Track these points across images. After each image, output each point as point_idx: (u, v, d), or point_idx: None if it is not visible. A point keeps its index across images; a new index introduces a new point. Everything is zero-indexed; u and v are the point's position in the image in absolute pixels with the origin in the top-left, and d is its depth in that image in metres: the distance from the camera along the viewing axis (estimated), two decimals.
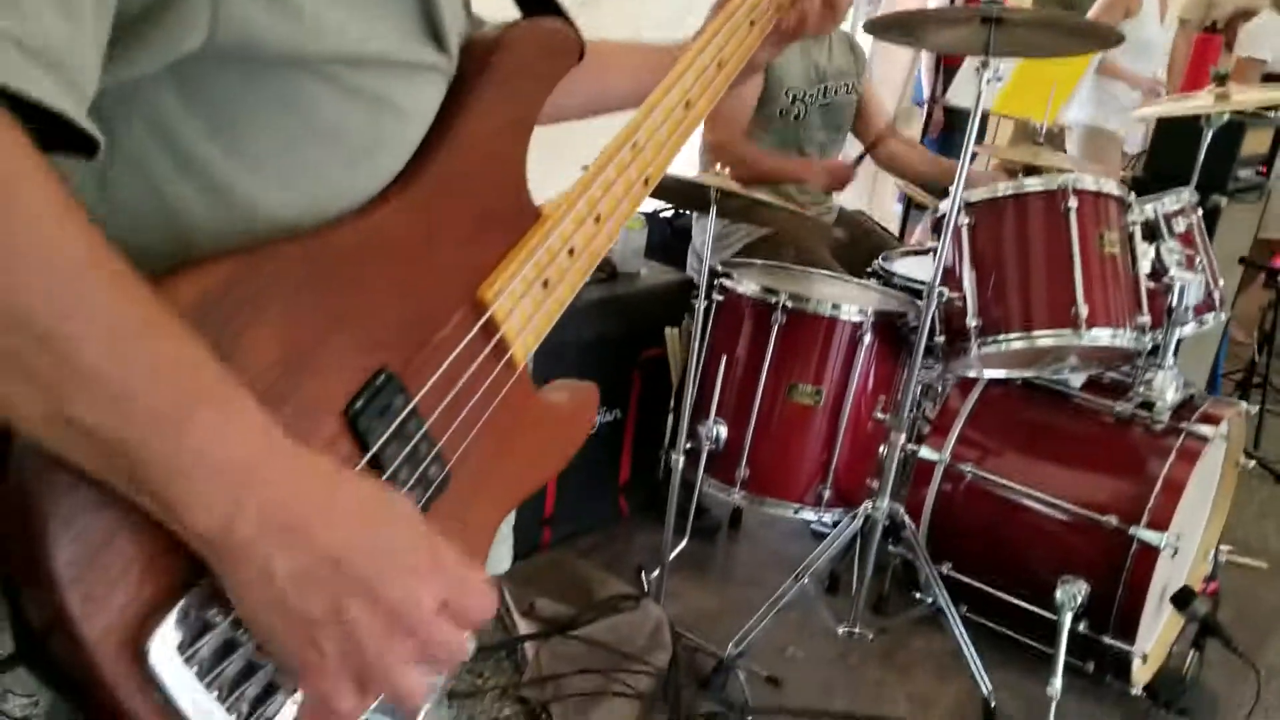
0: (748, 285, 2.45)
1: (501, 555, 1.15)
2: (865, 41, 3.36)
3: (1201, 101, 2.72)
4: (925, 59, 5.05)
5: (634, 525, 2.92)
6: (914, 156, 3.29)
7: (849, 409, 2.41)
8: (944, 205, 2.37)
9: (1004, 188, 2.29)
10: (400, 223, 0.77)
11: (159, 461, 0.56)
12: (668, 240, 3.47)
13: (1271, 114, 3.61)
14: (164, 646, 0.61)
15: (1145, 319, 2.27)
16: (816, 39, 3.04)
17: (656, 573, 2.53)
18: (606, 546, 2.82)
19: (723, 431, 2.45)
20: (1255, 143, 3.65)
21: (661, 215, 3.59)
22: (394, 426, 0.75)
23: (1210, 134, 2.75)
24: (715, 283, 2.50)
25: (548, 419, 0.97)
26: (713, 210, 2.23)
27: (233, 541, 0.59)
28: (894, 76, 5.35)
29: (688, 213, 3.45)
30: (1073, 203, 2.21)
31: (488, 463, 0.87)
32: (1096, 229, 2.23)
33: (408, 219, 0.78)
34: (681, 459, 2.42)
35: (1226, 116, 2.69)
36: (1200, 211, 2.61)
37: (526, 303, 0.87)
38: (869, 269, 2.78)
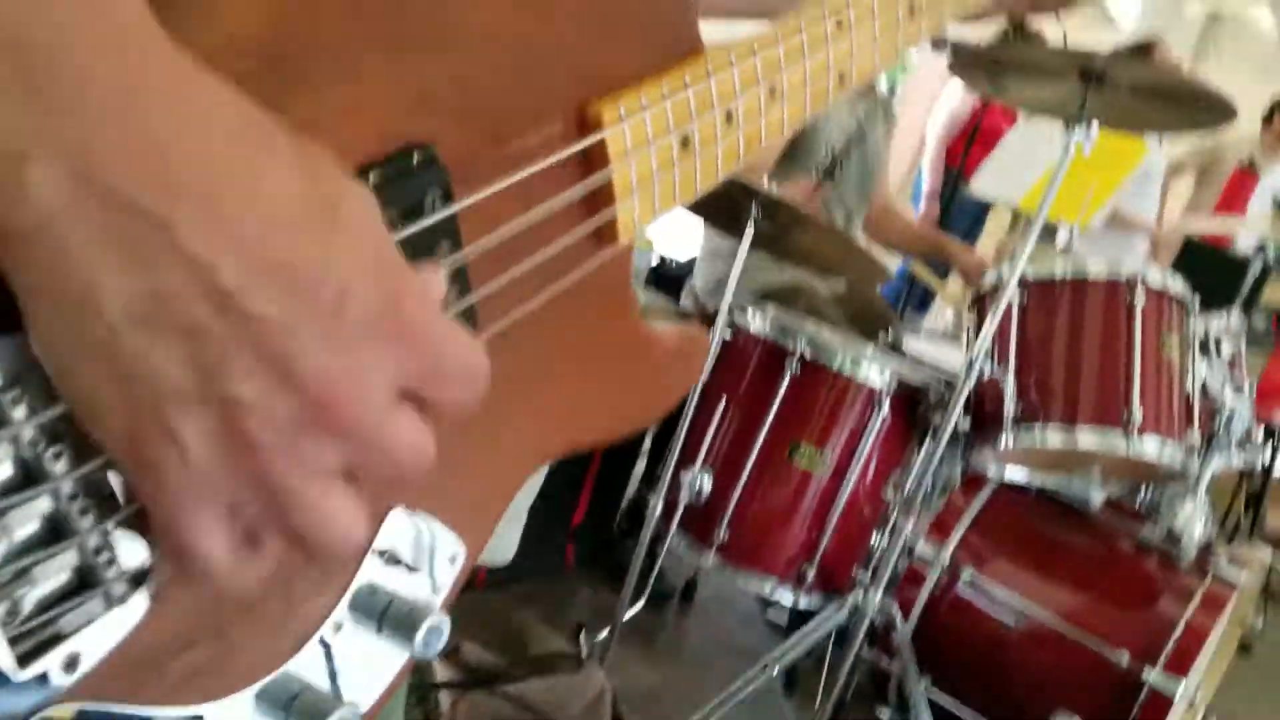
0: (762, 325, 2.19)
1: (508, 541, 0.85)
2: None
3: (1257, 226, 2.56)
4: (931, 153, 4.91)
5: (579, 578, 2.61)
6: (908, 228, 3.20)
7: (851, 482, 2.14)
8: (989, 278, 2.16)
9: (1063, 269, 2.07)
10: None
11: None
12: (655, 281, 3.23)
13: None
14: None
15: (1196, 439, 2.05)
16: (862, 96, 2.86)
17: (604, 635, 2.21)
18: (546, 597, 2.49)
19: (708, 483, 2.16)
20: (1273, 294, 3.53)
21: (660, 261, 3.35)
22: (417, 229, 0.46)
23: (1259, 265, 2.58)
24: (730, 321, 2.24)
25: (638, 347, 0.68)
26: (749, 231, 1.98)
27: (20, 209, 0.31)
28: (897, 158, 5.25)
29: (673, 263, 3.24)
30: (1140, 298, 1.99)
31: (536, 363, 0.59)
32: (1159, 329, 2.02)
33: None
34: (660, 506, 2.12)
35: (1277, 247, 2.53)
36: (1245, 342, 2.43)
37: (653, 152, 0.59)
38: (878, 344, 2.55)
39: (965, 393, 1.98)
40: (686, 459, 2.19)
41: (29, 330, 0.34)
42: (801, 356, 2.11)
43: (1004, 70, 1.95)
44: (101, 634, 0.40)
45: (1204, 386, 2.18)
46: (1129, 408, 1.94)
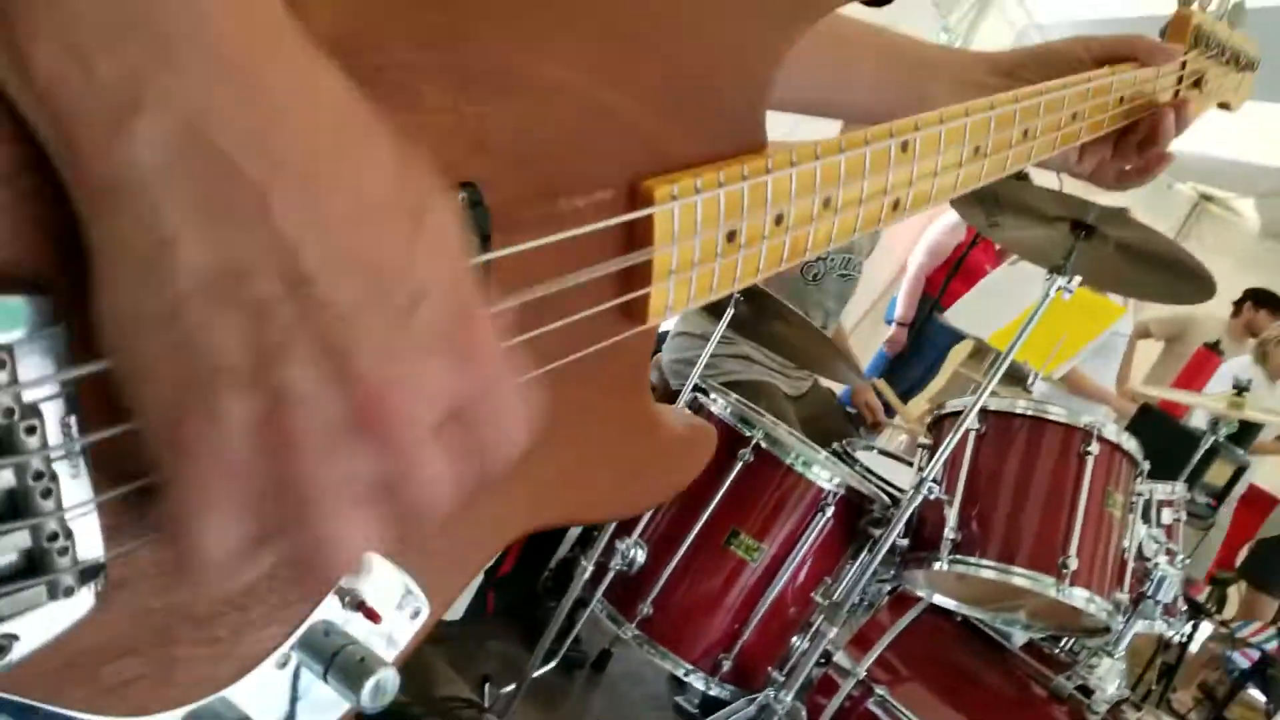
0: (723, 410, 2.20)
1: (462, 597, 0.84)
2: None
3: (1215, 403, 2.62)
4: (910, 280, 5.00)
5: (494, 628, 2.57)
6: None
7: (783, 580, 2.14)
8: (953, 403, 2.19)
9: (1024, 405, 2.11)
10: (596, 11, 0.52)
11: None
12: None
13: (1241, 453, 3.57)
14: None
15: (1124, 597, 2.07)
16: None
17: (510, 689, 2.17)
18: (459, 641, 2.45)
19: (641, 555, 2.15)
20: (1218, 474, 3.60)
21: None
22: None
23: (1210, 441, 2.63)
24: (690, 397, 2.25)
25: (645, 427, 0.68)
26: (728, 313, 2.00)
27: (114, 162, 0.30)
28: (876, 281, 5.34)
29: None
30: (1094, 448, 2.02)
31: (549, 429, 0.57)
32: (1106, 484, 2.04)
33: (609, 14, 0.52)
34: (590, 570, 2.11)
35: (1236, 426, 2.59)
36: (1185, 514, 2.47)
37: (697, 243, 0.58)
38: (830, 450, 2.57)
39: (910, 510, 1.99)
40: (625, 528, 2.18)
41: (93, 285, 0.33)
42: (756, 445, 2.12)
43: (1001, 208, 2.00)
44: (40, 624, 0.38)
45: (1139, 549, 2.21)
46: (1065, 556, 1.95)
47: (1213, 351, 4.49)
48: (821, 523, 2.13)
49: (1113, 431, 2.08)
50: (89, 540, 0.39)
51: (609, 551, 2.14)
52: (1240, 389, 2.70)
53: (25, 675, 0.39)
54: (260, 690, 0.48)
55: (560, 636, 2.22)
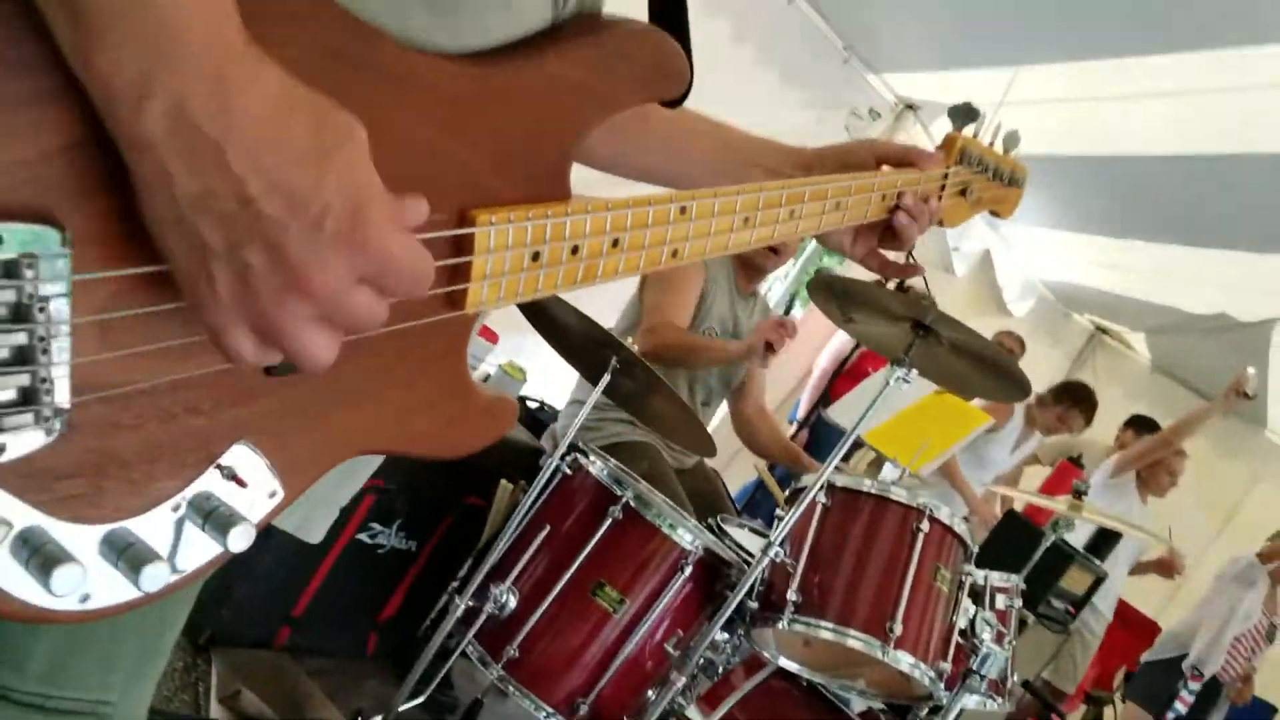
0: (599, 469, 2.39)
1: (319, 525, 1.02)
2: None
3: (1058, 503, 2.86)
4: (813, 382, 5.27)
5: (373, 667, 2.70)
6: (773, 435, 3.48)
7: (642, 632, 2.30)
8: (807, 479, 2.40)
9: (869, 485, 2.33)
10: (446, 88, 0.74)
11: None
12: (525, 421, 3.43)
13: (1097, 563, 3.82)
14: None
15: (947, 666, 2.26)
16: (744, 297, 3.17)
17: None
18: (336, 676, 2.57)
19: (512, 601, 2.31)
20: (1076, 581, 3.84)
21: (529, 402, 3.56)
22: None
23: (1051, 538, 2.87)
24: (570, 456, 2.44)
25: (459, 391, 0.88)
26: (605, 378, 2.21)
27: (140, 131, 0.53)
28: (784, 379, 5.58)
29: (549, 409, 3.45)
30: (925, 526, 2.24)
31: (377, 373, 0.79)
32: (935, 560, 2.26)
33: (455, 90, 0.75)
34: (461, 609, 2.26)
35: (1071, 527, 2.83)
36: (1020, 602, 2.69)
37: (508, 256, 0.81)
38: (704, 523, 2.76)
39: (757, 572, 2.18)
40: (498, 573, 2.34)
41: (139, 199, 0.56)
42: (626, 504, 2.31)
43: (853, 303, 2.25)
44: (24, 440, 0.59)
45: (971, 627, 2.42)
46: (892, 621, 2.16)
47: (1074, 464, 4.79)
48: (681, 581, 2.31)
49: (945, 514, 2.31)
50: (62, 391, 0.59)
51: (483, 594, 2.30)
52: (1079, 492, 2.96)
53: (5, 474, 0.59)
54: (157, 526, 0.67)
55: (429, 675, 2.35)
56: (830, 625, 2.20)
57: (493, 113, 0.78)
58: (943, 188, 1.30)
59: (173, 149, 0.53)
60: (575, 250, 0.85)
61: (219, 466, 0.70)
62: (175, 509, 0.68)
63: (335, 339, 0.62)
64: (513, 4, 0.79)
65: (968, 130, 1.34)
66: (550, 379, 3.21)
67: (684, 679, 2.21)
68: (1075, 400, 5.17)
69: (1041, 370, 6.60)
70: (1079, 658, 4.67)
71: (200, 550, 0.70)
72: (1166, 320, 6.50)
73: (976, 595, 2.51)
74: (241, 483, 0.71)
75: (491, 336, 2.74)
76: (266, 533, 2.22)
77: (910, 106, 5.40)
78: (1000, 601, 2.58)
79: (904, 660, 2.18)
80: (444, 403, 0.86)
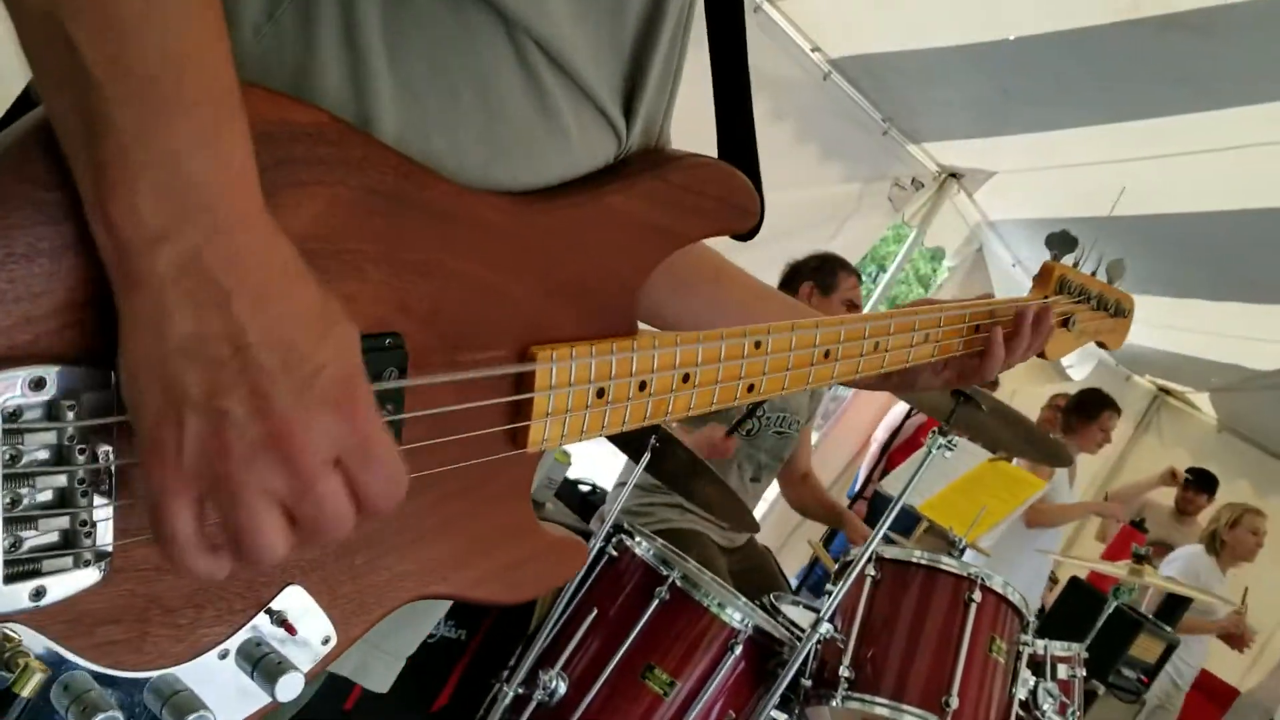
0: (645, 550, 2.38)
1: (388, 674, 1.01)
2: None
3: (1117, 569, 2.80)
4: (871, 456, 5.22)
5: None
6: (816, 495, 3.50)
7: (694, 716, 2.27)
8: (855, 551, 2.37)
9: (919, 556, 2.30)
10: (503, 225, 0.75)
11: (125, 129, 0.51)
12: (575, 505, 3.44)
13: (1167, 629, 3.71)
14: None
15: None
16: None
17: None
18: None
19: (562, 687, 2.29)
20: (1146, 649, 3.72)
21: (580, 485, 3.57)
22: (374, 388, 0.68)
23: (1114, 604, 2.80)
24: (615, 538, 2.44)
25: (523, 532, 0.87)
26: (645, 456, 2.21)
27: (145, 270, 0.53)
28: (841, 453, 5.54)
29: (600, 491, 3.46)
30: (977, 595, 2.20)
31: (434, 514, 0.78)
32: (990, 630, 2.22)
33: (513, 228, 0.75)
34: (510, 696, 2.25)
35: (1134, 592, 2.76)
36: (1084, 672, 2.62)
37: (571, 394, 0.81)
38: (757, 602, 2.73)
39: (807, 649, 2.15)
40: (547, 659, 2.33)
41: (120, 340, 0.55)
42: (673, 584, 2.29)
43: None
44: (64, 584, 0.59)
45: (1033, 699, 2.36)
46: (948, 695, 2.11)
47: (1137, 528, 4.66)
48: (732, 661, 2.28)
49: (997, 583, 2.26)
50: (105, 533, 0.60)
51: (531, 682, 2.29)
52: (1139, 557, 2.89)
53: (46, 619, 0.59)
54: (203, 674, 0.67)
55: None
56: (885, 701, 2.16)
57: (552, 249, 0.78)
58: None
59: (178, 289, 0.53)
60: (643, 386, 0.85)
61: (269, 611, 0.69)
62: (223, 656, 0.68)
63: (288, 531, 0.58)
64: (572, 142, 0.80)
65: (1067, 260, 1.32)
66: (597, 461, 3.22)
67: None
68: (1082, 410, 4.96)
69: None
70: None
71: (248, 700, 0.70)
72: (1230, 378, 6.37)
73: (1037, 666, 2.45)
74: (291, 629, 0.70)
75: None
76: None
77: (954, 175, 5.42)
78: (1063, 671, 2.52)
79: None
80: (506, 545, 0.85)
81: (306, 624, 0.71)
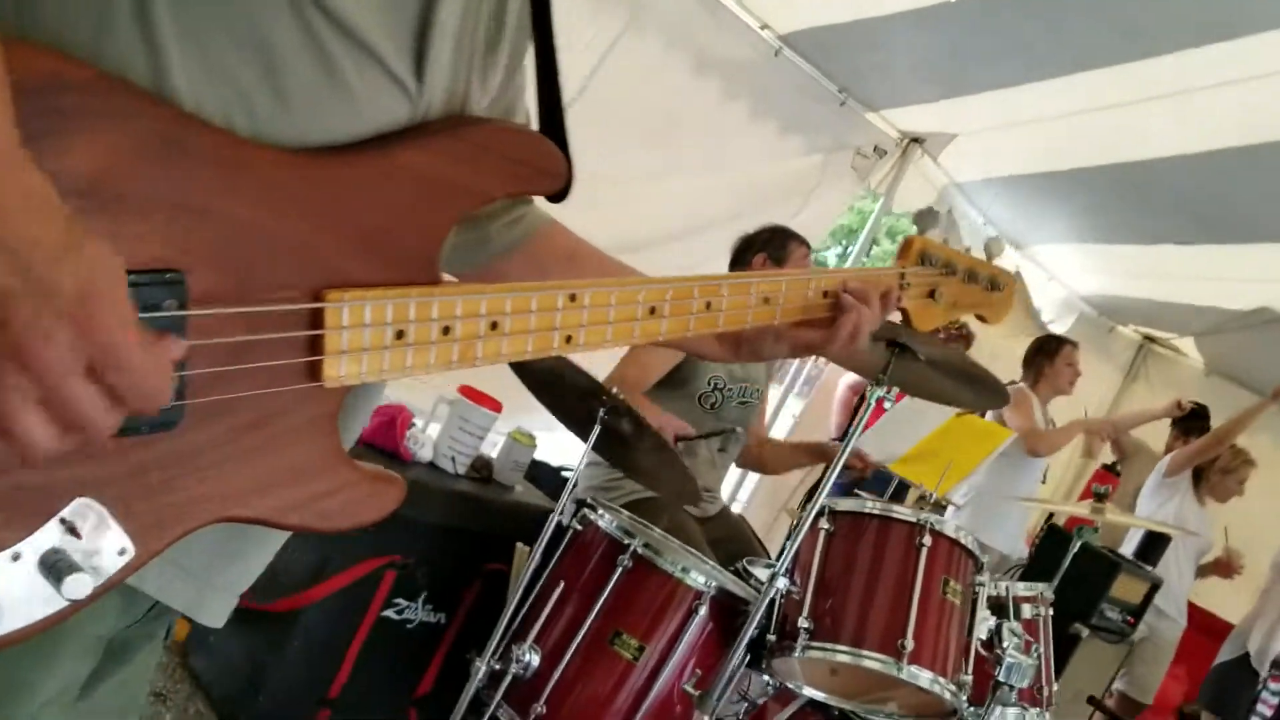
0: (607, 522, 2.45)
1: (211, 604, 1.03)
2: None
3: (1079, 509, 2.86)
4: (835, 415, 5.28)
5: None
6: (779, 451, 3.56)
7: (666, 677, 2.34)
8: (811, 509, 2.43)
9: (871, 506, 2.36)
10: (290, 177, 0.80)
11: None
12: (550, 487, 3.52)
13: (1148, 569, 3.76)
14: None
15: (968, 678, 2.26)
16: None
17: None
18: None
19: (535, 660, 2.36)
20: (1129, 590, 3.78)
21: (563, 471, 3.64)
22: (150, 316, 0.74)
23: (1078, 544, 2.86)
24: (579, 513, 2.50)
25: (331, 465, 0.91)
26: (596, 429, 2.28)
27: None
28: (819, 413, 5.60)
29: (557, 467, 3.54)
30: (928, 540, 2.26)
31: (238, 443, 0.83)
32: (943, 573, 2.28)
33: (302, 180, 0.81)
34: (485, 671, 2.32)
35: (1097, 532, 2.82)
36: (1051, 611, 2.68)
37: (368, 333, 0.86)
38: (731, 567, 2.79)
39: (764, 603, 2.21)
40: (520, 635, 2.40)
41: None
42: (634, 552, 2.36)
43: None
44: None
45: (996, 638, 2.42)
46: (904, 638, 2.17)
47: (1109, 471, 4.72)
48: (698, 622, 2.35)
49: (948, 527, 2.32)
50: None
51: (506, 657, 2.36)
52: (1099, 496, 2.94)
53: None
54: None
55: None
56: (845, 649, 2.22)
57: (345, 201, 0.84)
58: (902, 287, 1.30)
59: None
60: (447, 330, 0.90)
61: (62, 520, 0.75)
62: (15, 559, 0.73)
63: (54, 428, 0.64)
64: (358, 100, 0.84)
65: (933, 234, 1.36)
66: (562, 442, 3.28)
67: (706, 716, 2.23)
68: (1041, 352, 4.98)
69: (1095, 386, 6.52)
70: (1152, 666, 4.55)
71: (43, 604, 0.75)
72: (1210, 321, 6.41)
73: (1001, 607, 2.51)
74: (81, 537, 0.76)
75: (495, 405, 2.81)
76: (291, 618, 2.31)
77: (916, 140, 5.46)
78: (1027, 611, 2.58)
79: (922, 676, 2.19)
80: (312, 477, 0.89)
81: (100, 535, 0.76)
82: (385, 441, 2.66)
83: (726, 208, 4.60)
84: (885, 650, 2.19)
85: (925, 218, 1.34)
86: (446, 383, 2.93)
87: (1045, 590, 2.65)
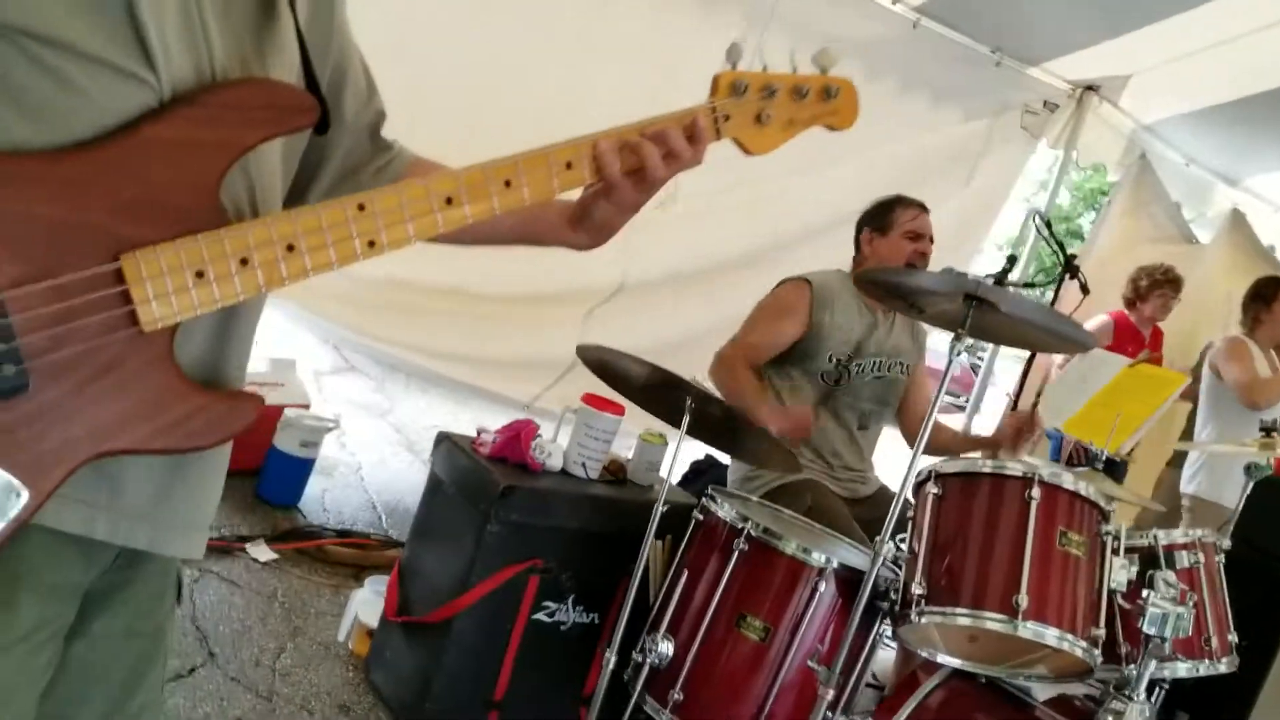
0: (726, 511, 2.51)
1: (179, 542, 1.16)
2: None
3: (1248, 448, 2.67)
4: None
5: None
6: (944, 436, 3.33)
7: (795, 654, 2.37)
8: (921, 465, 2.39)
9: (981, 465, 2.31)
10: (52, 172, 0.94)
11: None
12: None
13: None
14: None
15: (1100, 632, 2.17)
16: (873, 315, 3.17)
17: None
18: None
19: (668, 649, 2.45)
20: None
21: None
22: None
23: (1250, 484, 2.66)
24: (700, 504, 2.58)
25: (179, 395, 1.03)
26: (685, 420, 2.35)
27: None
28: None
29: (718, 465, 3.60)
30: (1035, 493, 2.19)
31: (89, 391, 0.96)
32: (1057, 525, 2.19)
33: (62, 172, 0.95)
34: (613, 659, 2.43)
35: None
36: (1222, 556, 2.51)
37: (169, 279, 0.99)
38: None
39: (875, 571, 2.21)
40: (654, 627, 2.49)
41: None
42: (748, 535, 2.41)
43: (915, 295, 2.29)
44: None
45: (1149, 588, 2.29)
46: (1017, 594, 2.11)
47: None
48: (821, 597, 2.37)
49: (1065, 479, 2.24)
50: None
51: (644, 649, 2.45)
52: (1267, 430, 2.70)
53: None
54: None
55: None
56: (961, 611, 2.18)
57: (108, 180, 0.97)
58: (719, 122, 1.28)
59: None
60: (245, 262, 1.02)
61: None
62: None
63: None
64: (94, 101, 0.96)
65: (741, 66, 1.29)
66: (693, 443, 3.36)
67: (830, 690, 2.24)
68: (1258, 298, 4.53)
69: None
70: None
71: None
72: None
73: (1154, 557, 2.39)
74: None
75: (618, 409, 2.91)
76: (445, 627, 2.49)
77: (1090, 88, 5.19)
78: (1183, 559, 2.43)
79: (1047, 633, 2.12)
80: (166, 407, 1.02)
81: None
82: (512, 454, 2.82)
83: (884, 188, 4.54)
84: (1002, 609, 2.14)
85: (732, 51, 1.33)
86: (573, 394, 3.07)
87: (1208, 535, 2.48)
